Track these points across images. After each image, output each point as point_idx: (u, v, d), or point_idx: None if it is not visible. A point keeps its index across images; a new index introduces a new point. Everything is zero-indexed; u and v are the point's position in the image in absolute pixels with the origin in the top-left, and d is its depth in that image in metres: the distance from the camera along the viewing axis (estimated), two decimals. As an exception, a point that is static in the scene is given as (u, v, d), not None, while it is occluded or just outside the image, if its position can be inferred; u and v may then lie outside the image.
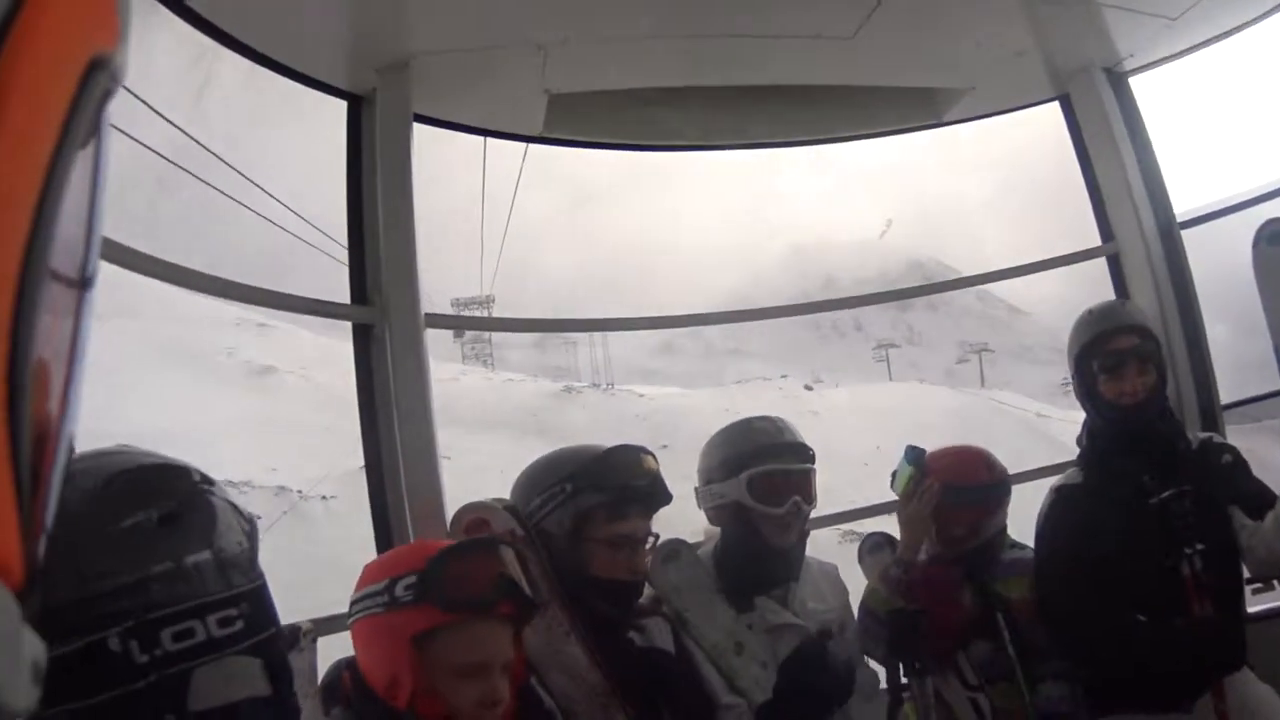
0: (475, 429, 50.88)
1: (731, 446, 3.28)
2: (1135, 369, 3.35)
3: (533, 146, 4.49)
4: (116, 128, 0.60)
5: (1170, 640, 3.13)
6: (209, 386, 49.96)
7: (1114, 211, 4.51)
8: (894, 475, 3.49)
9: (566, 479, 2.91)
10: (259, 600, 1.72)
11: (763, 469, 3.18)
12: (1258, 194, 4.41)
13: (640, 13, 3.63)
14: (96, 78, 0.55)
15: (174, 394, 45.11)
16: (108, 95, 0.57)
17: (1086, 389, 3.46)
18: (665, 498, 2.97)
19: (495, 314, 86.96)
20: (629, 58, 3.89)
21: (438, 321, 3.82)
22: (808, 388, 74.02)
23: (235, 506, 1.77)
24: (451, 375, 62.93)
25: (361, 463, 3.66)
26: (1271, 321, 3.12)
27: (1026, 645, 3.32)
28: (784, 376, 78.58)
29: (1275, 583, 3.33)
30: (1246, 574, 3.36)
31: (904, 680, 3.17)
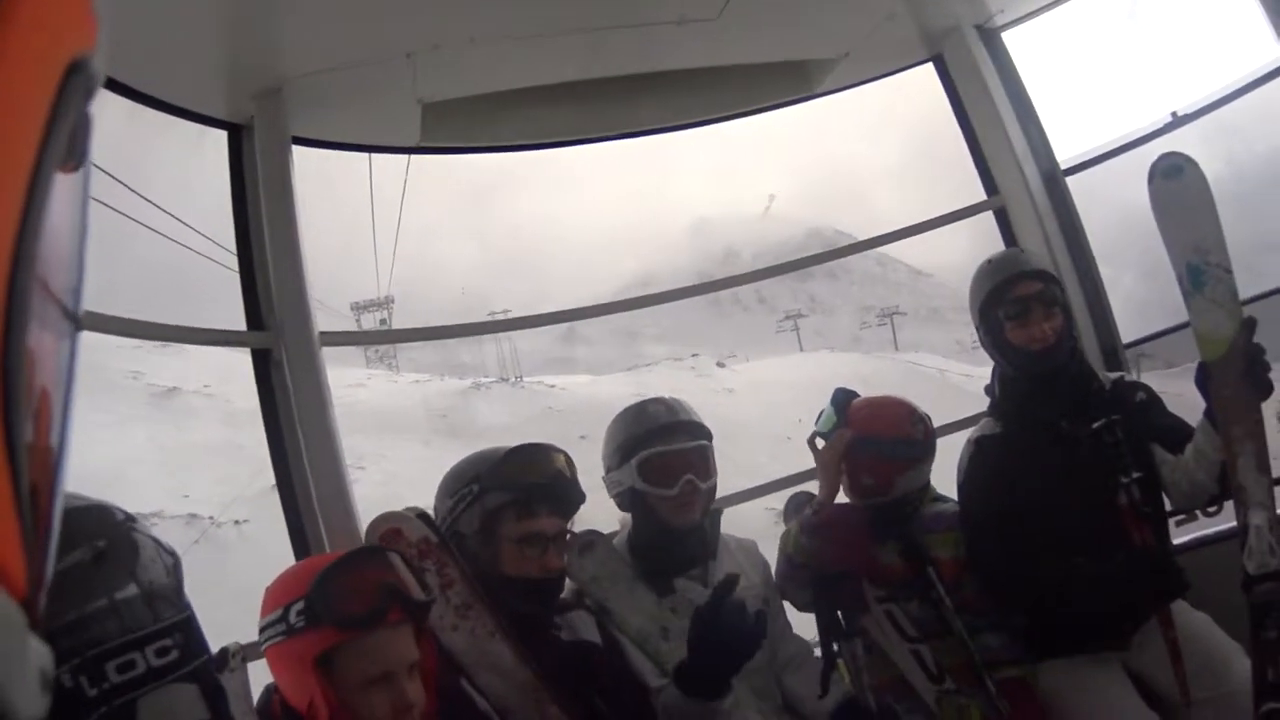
0: (385, 435, 50.23)
1: (624, 432, 3.30)
2: (1041, 314, 3.36)
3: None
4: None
5: (1111, 576, 3.14)
6: (120, 414, 48.54)
7: (996, 165, 4.54)
8: (819, 416, 3.49)
9: (473, 480, 2.94)
10: (190, 629, 1.79)
11: (651, 451, 3.19)
12: (1139, 135, 4.47)
13: (507, 13, 3.60)
14: (76, 80, 0.54)
15: (90, 425, 43.74)
16: (88, 96, 0.56)
17: (994, 338, 3.46)
18: (574, 493, 2.99)
19: (396, 312, 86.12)
20: (499, 59, 3.86)
21: (334, 340, 3.78)
22: (720, 365, 74.16)
23: (157, 541, 1.84)
24: (357, 381, 61.85)
25: (272, 481, 3.65)
26: (1172, 255, 3.16)
27: (958, 602, 3.33)
28: (695, 355, 78.63)
29: (1198, 513, 3.35)
30: (1169, 507, 3.41)
31: (835, 648, 3.20)
